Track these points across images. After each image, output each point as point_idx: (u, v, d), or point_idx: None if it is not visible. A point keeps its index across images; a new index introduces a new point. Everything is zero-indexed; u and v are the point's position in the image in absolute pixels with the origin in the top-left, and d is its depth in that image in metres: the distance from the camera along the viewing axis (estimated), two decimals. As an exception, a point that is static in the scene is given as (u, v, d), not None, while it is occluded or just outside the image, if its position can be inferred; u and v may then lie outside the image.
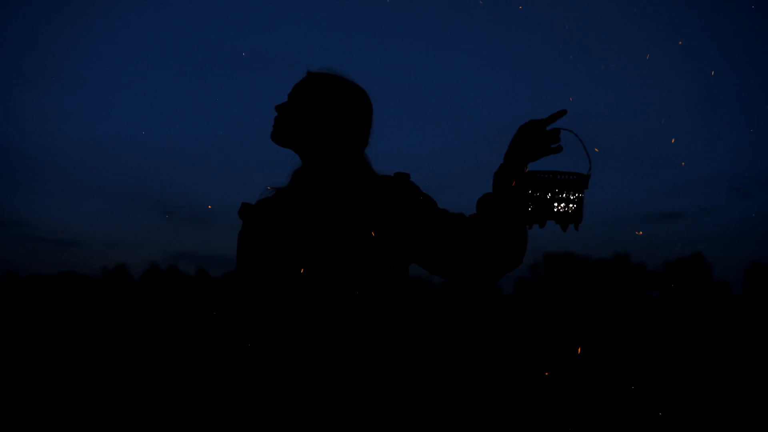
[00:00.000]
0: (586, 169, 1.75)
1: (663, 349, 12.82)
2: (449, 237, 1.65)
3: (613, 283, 79.80)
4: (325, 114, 1.77)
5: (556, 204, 1.73)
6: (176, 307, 34.34)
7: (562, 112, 1.75)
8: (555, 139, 1.74)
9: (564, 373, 8.91)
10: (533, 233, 1.79)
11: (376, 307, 1.67)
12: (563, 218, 1.74)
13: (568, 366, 9.67)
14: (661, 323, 22.75)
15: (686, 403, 6.80)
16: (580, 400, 6.81)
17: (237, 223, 1.88)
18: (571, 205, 1.73)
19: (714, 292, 73.63)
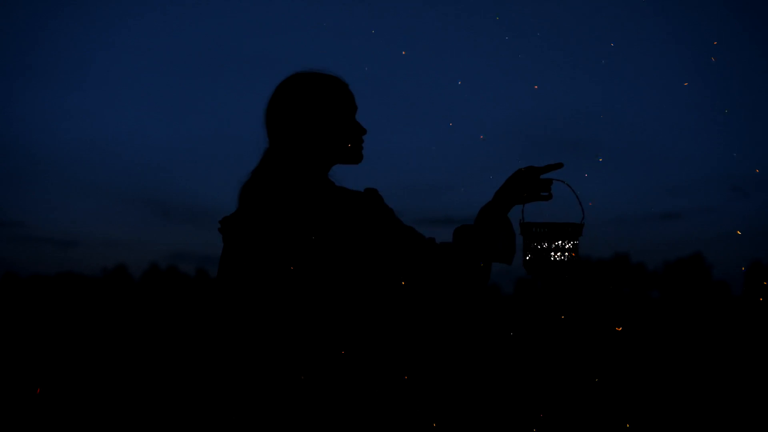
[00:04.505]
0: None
1: (663, 349, 12.82)
2: (410, 251, 1.73)
3: (613, 283, 79.78)
4: (298, 120, 1.78)
5: (552, 253, 1.83)
6: (176, 307, 34.37)
7: (559, 165, 1.84)
8: (546, 188, 1.84)
9: (564, 373, 8.91)
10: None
11: (370, 313, 1.72)
12: (559, 268, 1.83)
13: (568, 366, 9.68)
14: (661, 323, 22.76)
15: (686, 403, 6.80)
16: (580, 401, 6.81)
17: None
18: (566, 254, 1.83)
19: (714, 292, 73.58)
